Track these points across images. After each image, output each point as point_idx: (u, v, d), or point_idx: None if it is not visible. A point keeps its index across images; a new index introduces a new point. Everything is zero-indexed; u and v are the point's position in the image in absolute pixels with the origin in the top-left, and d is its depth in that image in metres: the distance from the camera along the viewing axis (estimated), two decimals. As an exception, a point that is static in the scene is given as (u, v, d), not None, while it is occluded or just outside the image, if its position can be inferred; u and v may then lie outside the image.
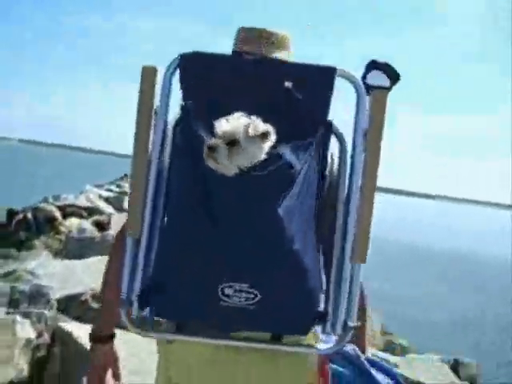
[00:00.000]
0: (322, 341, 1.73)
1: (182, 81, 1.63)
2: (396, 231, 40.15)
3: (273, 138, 1.47)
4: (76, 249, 7.98)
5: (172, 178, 1.61)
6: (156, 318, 1.66)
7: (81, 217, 13.98)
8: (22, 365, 4.17)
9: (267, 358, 1.70)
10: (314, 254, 1.60)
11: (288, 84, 1.60)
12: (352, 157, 1.64)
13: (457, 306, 16.67)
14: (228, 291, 1.50)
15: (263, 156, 1.46)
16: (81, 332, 4.14)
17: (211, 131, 1.48)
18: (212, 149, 1.44)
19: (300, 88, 1.61)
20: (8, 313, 4.47)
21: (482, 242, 41.81)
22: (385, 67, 1.67)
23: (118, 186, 23.29)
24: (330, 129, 1.65)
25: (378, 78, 1.67)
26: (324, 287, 1.64)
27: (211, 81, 1.62)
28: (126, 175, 43.30)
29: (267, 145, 1.47)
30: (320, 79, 1.63)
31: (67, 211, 14.29)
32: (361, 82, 1.65)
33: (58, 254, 9.15)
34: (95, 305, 5.06)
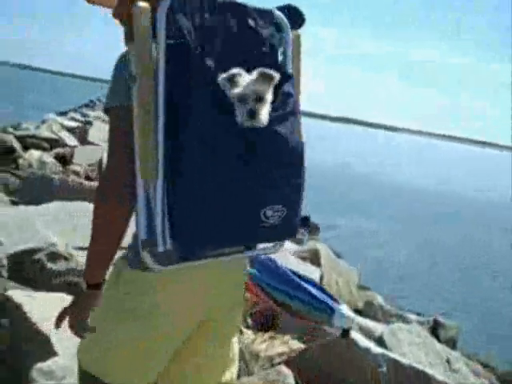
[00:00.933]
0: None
1: (171, 21, 1.66)
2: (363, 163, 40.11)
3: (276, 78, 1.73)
4: (33, 191, 7.35)
5: (185, 117, 1.64)
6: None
7: (42, 149, 13.29)
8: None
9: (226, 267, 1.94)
10: None
11: (251, 22, 1.80)
12: None
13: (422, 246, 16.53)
14: (269, 213, 1.69)
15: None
16: (33, 305, 3.63)
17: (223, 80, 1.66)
18: (253, 113, 1.64)
19: (258, 27, 1.82)
20: None
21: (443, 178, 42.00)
22: (291, 11, 1.90)
23: (83, 114, 22.41)
24: None
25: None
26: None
27: (196, 23, 1.70)
28: (91, 101, 42.37)
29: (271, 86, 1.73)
30: (267, 19, 1.84)
31: (27, 142, 13.56)
32: (288, 24, 1.88)
33: (13, 193, 8.53)
34: (52, 265, 4.52)
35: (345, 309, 2.24)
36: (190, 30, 1.67)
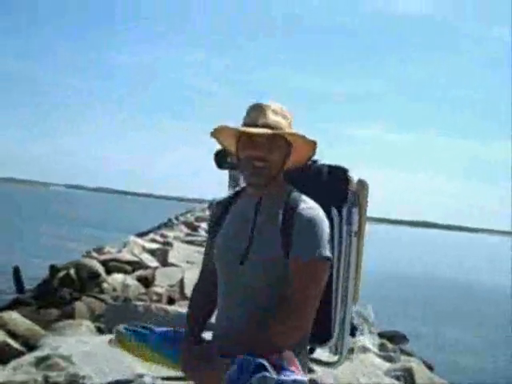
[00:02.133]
0: None
1: None
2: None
3: None
4: (118, 318, 7.36)
5: None
6: None
7: (124, 272, 13.52)
8: None
9: None
10: None
11: None
12: None
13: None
14: None
15: None
16: None
17: None
18: None
19: None
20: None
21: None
22: None
23: (162, 235, 22.85)
24: None
25: None
26: None
27: None
28: (169, 220, 43.41)
29: None
30: None
31: (110, 266, 13.87)
32: None
33: (98, 319, 8.59)
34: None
35: None
36: None
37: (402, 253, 46.12)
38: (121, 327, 2.53)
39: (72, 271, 13.43)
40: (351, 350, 2.41)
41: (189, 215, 49.37)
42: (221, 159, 2.78)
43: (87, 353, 5.44)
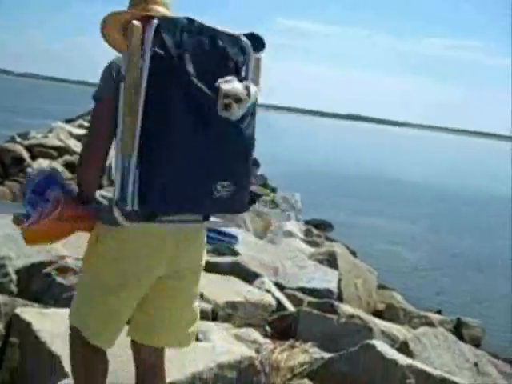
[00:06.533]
0: None
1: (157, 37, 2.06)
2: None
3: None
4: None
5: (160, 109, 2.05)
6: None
7: (50, 157, 13.19)
8: (-29, 362, 3.49)
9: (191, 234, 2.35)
10: None
11: (220, 42, 2.21)
12: None
13: (438, 245, 16.29)
14: (219, 187, 2.12)
15: None
16: (43, 323, 3.47)
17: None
18: (228, 106, 2.09)
19: (226, 47, 2.23)
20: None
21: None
22: (254, 38, 2.26)
23: (90, 121, 22.25)
24: None
25: None
26: None
27: (177, 40, 2.10)
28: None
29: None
30: (234, 42, 2.25)
31: (35, 151, 13.49)
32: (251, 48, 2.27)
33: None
34: (60, 280, 4.37)
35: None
36: (172, 45, 2.06)
37: (335, 146, 46.81)
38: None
39: (-6, 156, 13.02)
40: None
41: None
42: None
43: (8, 234, 5.27)
